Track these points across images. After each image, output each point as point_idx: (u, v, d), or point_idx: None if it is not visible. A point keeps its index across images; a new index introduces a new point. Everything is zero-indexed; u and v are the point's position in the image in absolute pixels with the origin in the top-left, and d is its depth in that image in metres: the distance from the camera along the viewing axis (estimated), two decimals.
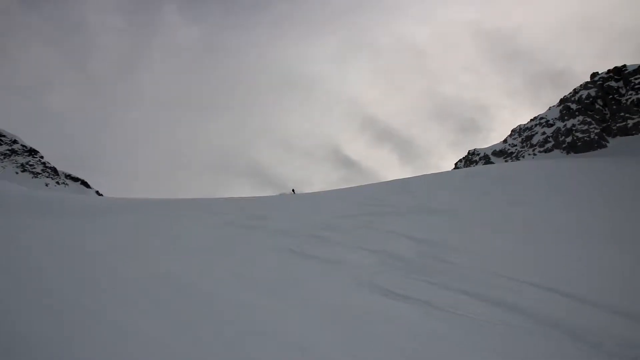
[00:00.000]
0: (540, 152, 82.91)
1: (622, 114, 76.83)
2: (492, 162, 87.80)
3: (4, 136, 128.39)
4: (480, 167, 55.06)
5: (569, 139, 78.67)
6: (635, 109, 75.62)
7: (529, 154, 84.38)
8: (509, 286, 8.36)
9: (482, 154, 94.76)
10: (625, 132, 75.36)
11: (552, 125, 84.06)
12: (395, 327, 5.86)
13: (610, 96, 79.39)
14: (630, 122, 75.48)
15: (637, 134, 74.06)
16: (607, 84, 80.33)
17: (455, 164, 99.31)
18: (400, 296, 7.34)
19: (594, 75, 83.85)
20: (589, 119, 78.03)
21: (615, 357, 5.45)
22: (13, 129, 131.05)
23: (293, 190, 34.58)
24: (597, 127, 76.90)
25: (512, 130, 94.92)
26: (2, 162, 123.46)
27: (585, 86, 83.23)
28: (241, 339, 4.84)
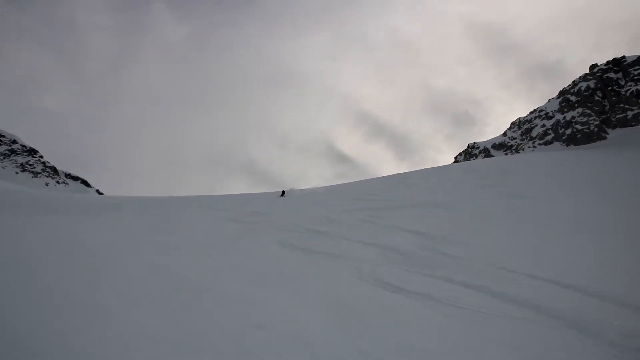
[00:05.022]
0: (540, 144, 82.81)
1: (621, 105, 76.57)
2: (492, 155, 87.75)
3: (4, 136, 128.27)
4: (480, 161, 55.02)
5: (568, 131, 78.53)
6: (634, 100, 75.38)
7: (529, 147, 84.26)
8: (509, 278, 8.39)
9: (481, 147, 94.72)
10: (624, 123, 75.14)
11: (551, 117, 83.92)
12: (398, 319, 5.89)
13: (610, 88, 79.15)
14: (630, 114, 75.27)
15: (637, 126, 73.86)
16: (606, 75, 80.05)
17: (455, 158, 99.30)
18: (402, 289, 7.38)
19: (593, 66, 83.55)
20: (588, 111, 77.83)
21: (617, 347, 5.48)
22: (10, 129, 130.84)
23: (283, 192, 30.96)
24: (596, 119, 76.71)
25: (512, 123, 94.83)
26: (2, 162, 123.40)
27: (584, 78, 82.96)
28: (243, 333, 4.87)
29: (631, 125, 75.03)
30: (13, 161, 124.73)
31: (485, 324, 6.00)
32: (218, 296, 6.19)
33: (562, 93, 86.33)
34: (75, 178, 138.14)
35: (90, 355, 3.93)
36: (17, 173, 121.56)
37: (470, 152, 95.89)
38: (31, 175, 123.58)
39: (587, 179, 29.28)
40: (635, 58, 79.54)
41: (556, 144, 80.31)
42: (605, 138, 75.06)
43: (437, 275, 8.42)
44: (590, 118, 77.67)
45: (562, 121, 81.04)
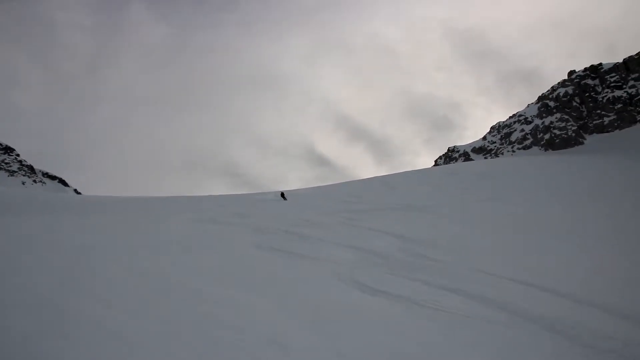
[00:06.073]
0: (519, 149, 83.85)
1: (598, 111, 78.13)
2: (472, 159, 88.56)
3: None
4: (460, 164, 55.57)
5: (547, 136, 79.66)
6: (611, 106, 77.00)
7: (508, 151, 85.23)
8: (488, 281, 8.44)
9: (461, 151, 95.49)
10: (601, 129, 76.62)
11: (530, 122, 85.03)
12: (376, 323, 5.86)
13: (587, 94, 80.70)
14: (606, 120, 76.81)
15: (613, 132, 75.44)
16: (583, 81, 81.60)
17: (435, 161, 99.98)
18: (381, 292, 7.35)
19: (571, 72, 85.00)
20: (566, 117, 79.06)
21: (593, 348, 5.53)
22: None
23: (282, 194, 31.12)
24: (574, 124, 77.98)
25: (492, 127, 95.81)
26: None
27: (562, 84, 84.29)
28: (219, 336, 4.79)
29: (607, 132, 76.55)
30: None
31: (463, 327, 6.00)
32: (194, 298, 6.09)
33: (541, 98, 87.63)
34: (53, 177, 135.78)
35: (58, 358, 3.82)
36: None
37: (450, 156, 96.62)
38: (7, 173, 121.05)
39: (564, 184, 29.72)
40: (612, 65, 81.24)
41: (535, 149, 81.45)
42: (582, 143, 76.41)
43: (417, 278, 8.42)
44: (568, 123, 78.98)
45: (541, 126, 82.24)
